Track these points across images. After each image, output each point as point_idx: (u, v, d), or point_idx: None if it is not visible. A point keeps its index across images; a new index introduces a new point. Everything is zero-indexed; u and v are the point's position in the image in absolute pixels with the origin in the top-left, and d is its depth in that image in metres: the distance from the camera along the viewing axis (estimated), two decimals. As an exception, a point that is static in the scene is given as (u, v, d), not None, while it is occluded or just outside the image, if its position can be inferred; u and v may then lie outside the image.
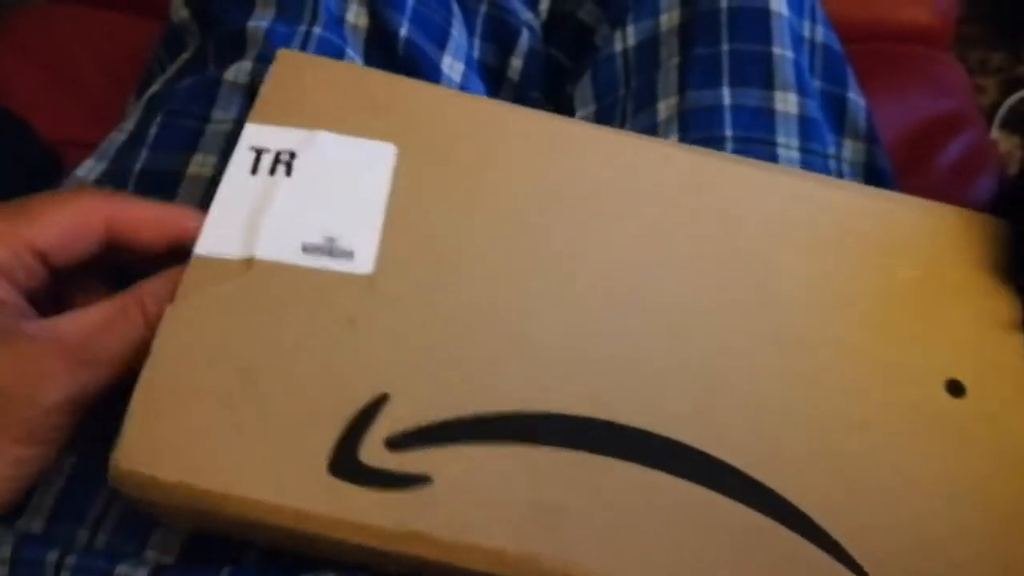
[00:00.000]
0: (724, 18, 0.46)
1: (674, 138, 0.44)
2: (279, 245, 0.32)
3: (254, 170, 0.34)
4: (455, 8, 0.48)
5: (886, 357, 0.34)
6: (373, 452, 0.29)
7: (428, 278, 0.33)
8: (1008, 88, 1.19)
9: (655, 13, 0.48)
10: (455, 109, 0.37)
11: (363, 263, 0.32)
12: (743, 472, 0.30)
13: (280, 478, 0.28)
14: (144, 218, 0.32)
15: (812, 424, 0.32)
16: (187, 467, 0.28)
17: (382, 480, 0.29)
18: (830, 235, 0.36)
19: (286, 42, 0.42)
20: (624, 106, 0.47)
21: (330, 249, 0.32)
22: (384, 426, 0.29)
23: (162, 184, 0.39)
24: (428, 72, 0.44)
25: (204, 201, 0.38)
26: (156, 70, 0.49)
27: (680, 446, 0.31)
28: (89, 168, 0.42)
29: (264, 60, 0.41)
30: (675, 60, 0.46)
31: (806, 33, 0.49)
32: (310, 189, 0.34)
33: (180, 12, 0.48)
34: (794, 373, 0.33)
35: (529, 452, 0.30)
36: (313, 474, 0.28)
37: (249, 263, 0.32)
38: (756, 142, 0.43)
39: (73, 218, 0.31)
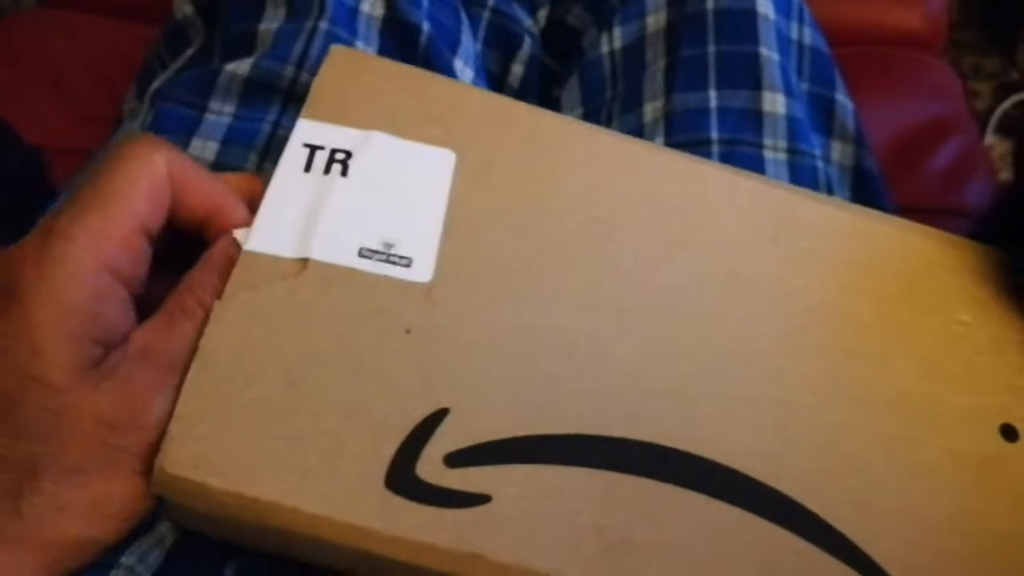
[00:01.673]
0: (710, 20, 0.46)
1: (660, 140, 0.44)
2: (335, 247, 0.31)
3: (308, 167, 0.32)
4: (462, 14, 0.48)
5: (943, 403, 0.34)
6: (431, 468, 0.28)
7: (488, 292, 0.32)
8: (1002, 93, 1.19)
9: (642, 15, 0.48)
10: (515, 119, 0.36)
11: (422, 272, 0.31)
12: (807, 508, 0.30)
13: (333, 491, 0.27)
14: (194, 181, 0.30)
15: (873, 468, 0.32)
16: (236, 475, 0.27)
17: (440, 497, 0.28)
18: (892, 279, 0.36)
19: (292, 39, 0.41)
20: (610, 108, 0.47)
21: (388, 255, 0.31)
22: (443, 442, 0.28)
23: None
24: (444, 73, 0.43)
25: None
26: (155, 66, 0.48)
27: (745, 478, 0.30)
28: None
29: (269, 58, 0.40)
30: (661, 62, 0.46)
31: (793, 35, 0.49)
32: (367, 192, 0.32)
33: (184, 8, 0.47)
34: (856, 418, 0.33)
35: (593, 476, 0.29)
36: (368, 489, 0.27)
37: (304, 264, 0.30)
38: (743, 143, 0.43)
39: (150, 176, 0.29)
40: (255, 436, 0.27)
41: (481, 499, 0.28)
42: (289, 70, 0.40)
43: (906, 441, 0.32)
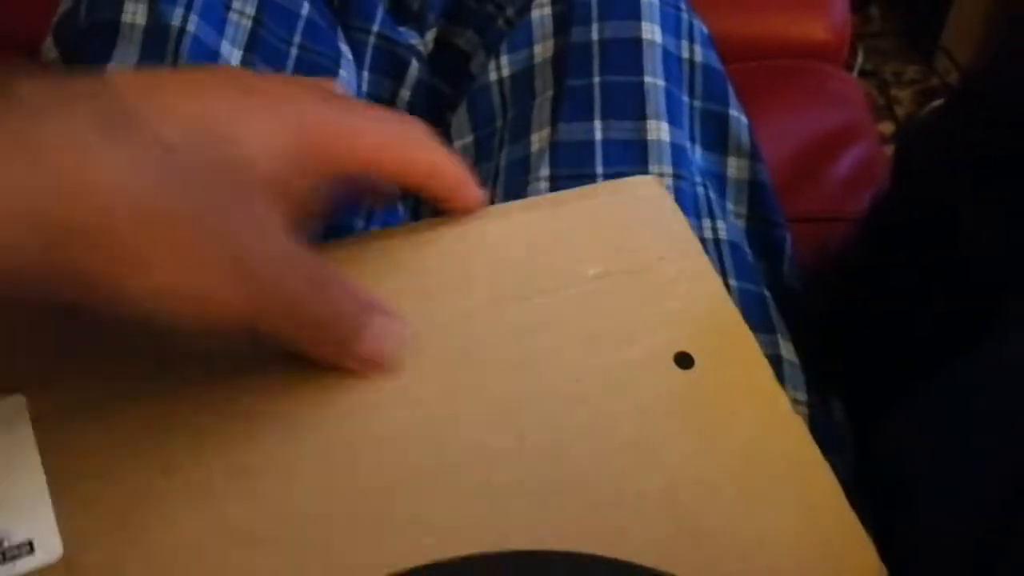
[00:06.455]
0: (596, 50, 0.46)
1: (545, 172, 0.44)
2: None
3: None
4: (343, 47, 0.48)
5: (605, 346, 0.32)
6: None
7: (132, 532, 0.27)
8: (922, 100, 1.22)
9: (529, 43, 0.48)
10: None
11: (49, 549, 0.26)
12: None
13: None
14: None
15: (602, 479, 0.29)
16: None
17: None
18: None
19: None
20: (501, 136, 0.47)
21: (2, 553, 0.26)
22: None
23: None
24: None
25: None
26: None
27: (584, 557, 0.27)
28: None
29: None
30: (549, 92, 0.46)
31: (684, 54, 0.49)
32: None
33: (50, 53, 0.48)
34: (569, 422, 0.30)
35: None
36: None
37: None
38: (628, 175, 0.43)
39: None
40: None
41: None
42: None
43: (607, 423, 0.30)
